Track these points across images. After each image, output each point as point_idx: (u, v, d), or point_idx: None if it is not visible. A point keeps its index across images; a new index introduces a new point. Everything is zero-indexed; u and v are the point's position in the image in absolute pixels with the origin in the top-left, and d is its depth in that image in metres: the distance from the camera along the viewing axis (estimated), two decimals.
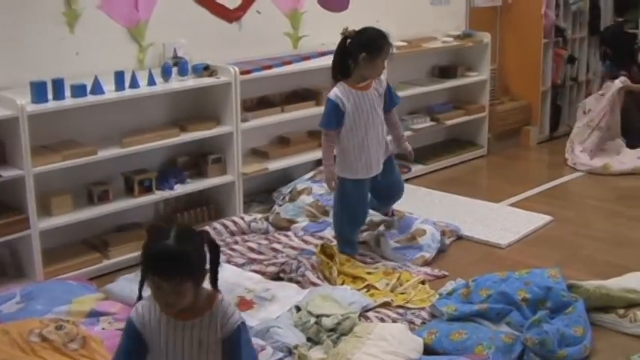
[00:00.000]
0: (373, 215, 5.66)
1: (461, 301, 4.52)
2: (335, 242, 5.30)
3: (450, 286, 4.77)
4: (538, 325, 4.19)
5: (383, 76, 5.14)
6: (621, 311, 4.56)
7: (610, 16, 9.33)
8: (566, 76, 8.76)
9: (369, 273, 5.02)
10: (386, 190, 5.42)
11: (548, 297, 4.46)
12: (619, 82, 7.71)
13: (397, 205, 5.77)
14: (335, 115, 4.96)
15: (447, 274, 5.12)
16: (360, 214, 5.30)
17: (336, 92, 4.96)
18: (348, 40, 4.99)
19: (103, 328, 4.11)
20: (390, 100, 5.19)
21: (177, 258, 2.63)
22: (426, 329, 4.29)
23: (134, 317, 2.81)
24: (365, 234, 5.55)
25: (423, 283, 4.94)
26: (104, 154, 5.15)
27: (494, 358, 4.03)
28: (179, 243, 2.64)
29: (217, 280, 2.79)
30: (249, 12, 6.20)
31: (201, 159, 5.82)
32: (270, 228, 5.75)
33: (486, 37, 7.70)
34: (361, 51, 4.89)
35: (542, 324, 4.21)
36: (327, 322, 4.17)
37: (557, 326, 4.22)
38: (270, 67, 5.99)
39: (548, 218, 6.12)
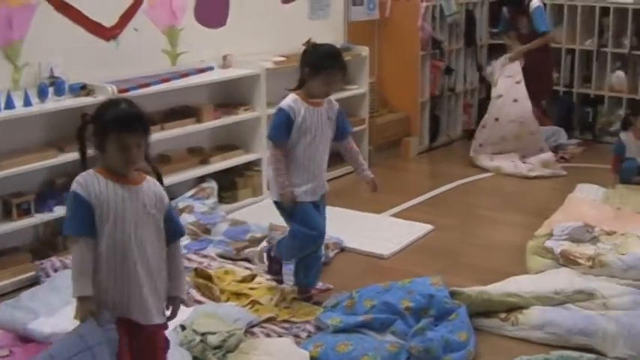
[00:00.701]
0: (254, 232, 5.67)
1: (345, 313, 4.56)
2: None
3: (334, 298, 4.80)
4: (422, 333, 4.26)
5: (335, 102, 4.86)
6: (503, 315, 4.69)
7: (485, 28, 9.57)
8: (443, 87, 8.94)
9: (252, 289, 5.01)
10: None
11: (431, 305, 4.55)
12: (502, 60, 8.14)
13: (277, 220, 5.78)
14: (286, 126, 4.65)
15: (331, 287, 5.14)
16: (317, 238, 4.79)
17: (288, 102, 4.70)
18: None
19: None
20: (342, 128, 4.89)
21: (139, 115, 3.21)
22: (312, 342, 4.31)
23: (78, 189, 3.14)
24: (247, 250, 5.54)
25: None
26: None
27: None
28: (134, 107, 3.23)
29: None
30: (126, 30, 6.12)
31: None
32: None
33: (364, 51, 7.79)
34: (305, 66, 4.70)
35: (426, 332, 4.29)
36: (213, 339, 4.16)
37: (441, 333, 4.31)
38: (148, 85, 5.93)
39: (429, 227, 6.23)
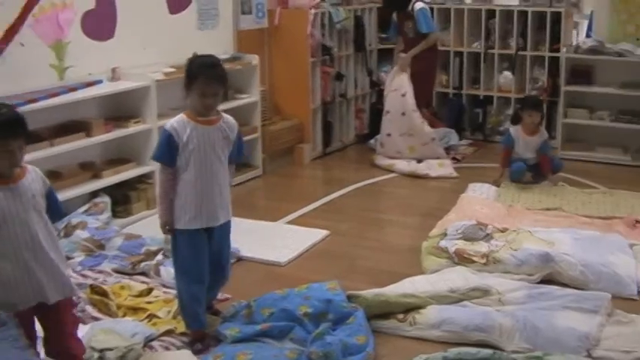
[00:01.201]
0: (149, 245, 5.62)
1: (243, 323, 4.55)
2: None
3: (232, 308, 4.78)
4: (321, 338, 4.28)
5: (234, 121, 4.52)
6: (400, 316, 4.74)
7: (374, 33, 9.67)
8: (334, 93, 8.99)
9: (149, 302, 4.95)
10: (216, 256, 4.59)
11: (329, 309, 4.58)
12: (392, 73, 8.30)
13: None
14: (168, 147, 4.33)
15: (229, 297, 5.11)
16: (200, 272, 4.48)
17: (172, 121, 4.36)
18: None
19: None
20: (237, 151, 4.57)
21: (15, 120, 3.45)
22: (211, 354, 4.29)
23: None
24: (143, 264, 5.48)
25: None
26: None
27: None
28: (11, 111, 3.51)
29: None
30: (11, 45, 5.98)
31: None
32: None
33: (255, 59, 7.80)
34: (184, 79, 4.42)
35: (325, 336, 4.31)
36: (111, 355, 4.09)
37: (340, 337, 4.33)
38: (35, 100, 5.81)
39: (325, 232, 6.26)
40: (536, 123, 7.52)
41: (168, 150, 4.34)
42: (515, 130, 7.52)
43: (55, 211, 3.71)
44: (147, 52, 6.97)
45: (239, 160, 4.73)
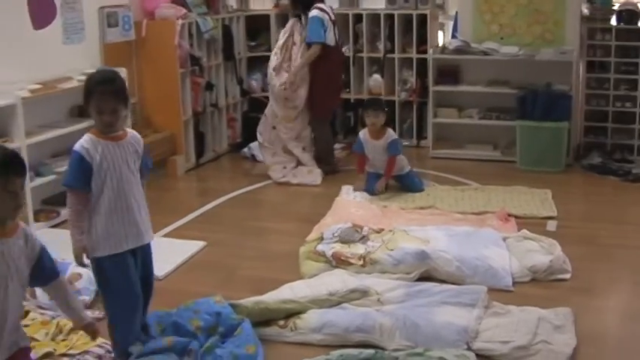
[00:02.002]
0: None
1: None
2: None
3: None
4: (211, 352, 4.27)
5: (138, 135, 4.32)
6: (281, 322, 4.74)
7: (243, 42, 9.66)
8: (205, 103, 8.93)
9: (26, 326, 4.79)
10: (144, 274, 4.40)
11: (219, 322, 4.56)
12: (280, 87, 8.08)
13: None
14: (81, 170, 4.07)
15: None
16: (135, 296, 4.28)
17: (81, 142, 4.11)
18: None
19: None
20: (145, 164, 4.38)
21: None
22: None
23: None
24: None
25: None
26: None
27: None
28: None
29: None
30: None
31: None
32: None
33: (122, 72, 7.62)
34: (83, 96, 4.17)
35: (215, 350, 4.30)
36: None
37: (230, 349, 4.33)
38: None
39: (202, 244, 6.20)
40: (379, 125, 7.38)
41: (82, 173, 4.08)
42: (363, 134, 7.49)
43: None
44: (11, 69, 6.76)
45: (148, 174, 4.49)
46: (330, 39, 8.12)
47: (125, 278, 4.23)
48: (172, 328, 4.50)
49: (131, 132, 4.31)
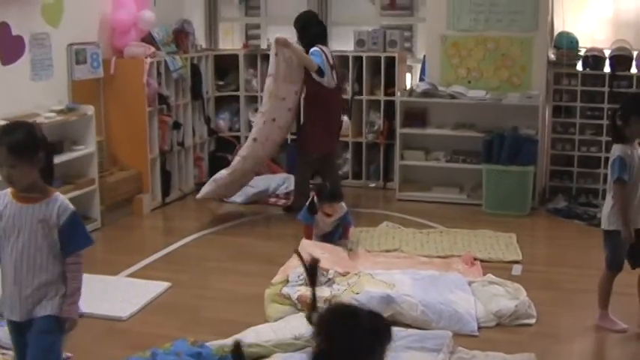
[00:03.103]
0: None
1: None
2: None
3: None
4: None
5: (67, 205, 3.85)
6: None
7: (212, 80, 9.67)
8: (173, 142, 8.91)
9: None
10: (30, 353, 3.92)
11: None
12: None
13: None
14: None
15: (70, 355, 4.93)
16: None
17: None
18: None
19: None
20: (69, 240, 3.85)
21: None
22: None
23: None
24: None
25: None
26: None
27: None
28: None
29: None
30: None
31: None
32: None
33: (90, 110, 7.63)
34: None
35: None
36: None
37: None
38: None
39: (166, 284, 6.15)
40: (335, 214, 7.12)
41: None
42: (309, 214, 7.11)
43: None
44: None
45: (72, 252, 3.89)
46: (328, 81, 8.10)
47: (14, 348, 4.05)
48: None
49: (56, 199, 3.85)
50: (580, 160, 8.75)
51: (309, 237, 7.02)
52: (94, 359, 4.77)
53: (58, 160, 7.16)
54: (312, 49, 8.07)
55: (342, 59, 9.43)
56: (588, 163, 8.75)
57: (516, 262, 6.72)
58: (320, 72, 7.97)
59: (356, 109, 9.51)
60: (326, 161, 8.39)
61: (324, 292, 5.68)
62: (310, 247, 6.76)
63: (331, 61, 8.18)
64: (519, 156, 8.25)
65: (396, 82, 9.26)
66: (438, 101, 8.90)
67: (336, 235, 7.12)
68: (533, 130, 8.50)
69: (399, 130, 8.97)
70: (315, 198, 7.02)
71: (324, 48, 8.17)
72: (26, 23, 7.25)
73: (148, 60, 8.26)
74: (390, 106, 9.28)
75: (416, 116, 9.13)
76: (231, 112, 9.98)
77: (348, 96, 9.39)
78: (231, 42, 10.95)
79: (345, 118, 9.44)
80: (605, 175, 8.39)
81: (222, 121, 9.92)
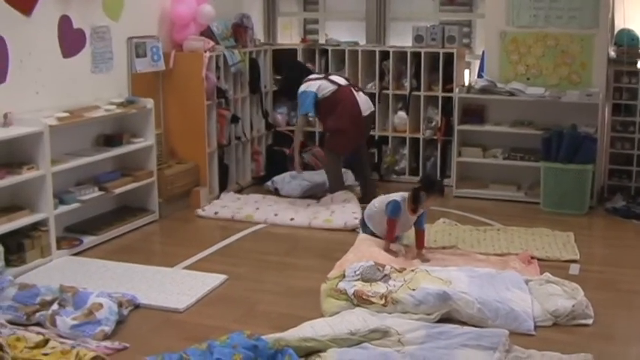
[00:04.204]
0: (44, 294, 5.47)
1: None
2: None
3: None
4: None
5: None
6: None
7: (269, 75, 9.72)
8: (231, 136, 8.97)
9: (45, 354, 4.81)
10: None
11: (258, 355, 4.54)
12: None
13: (68, 280, 5.69)
14: None
15: (127, 345, 5.02)
16: None
17: None
18: None
19: None
20: None
21: None
22: None
23: None
24: (38, 314, 5.32)
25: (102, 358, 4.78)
26: None
27: None
28: None
29: None
30: None
31: None
32: None
33: (149, 103, 7.71)
34: None
35: None
36: None
37: None
38: None
39: (223, 277, 6.19)
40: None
41: None
42: (402, 205, 6.84)
43: None
44: (40, 96, 6.83)
45: None
46: (326, 90, 8.33)
47: None
48: None
49: None
50: (639, 159, 8.64)
51: (392, 231, 6.84)
52: (150, 350, 4.78)
53: (117, 152, 7.33)
54: (300, 89, 8.41)
55: (401, 55, 9.43)
56: None
57: (574, 261, 6.65)
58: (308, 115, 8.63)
59: (414, 105, 9.49)
60: (356, 156, 8.67)
61: (380, 287, 5.68)
62: (367, 243, 6.78)
63: (321, 76, 8.59)
64: (578, 154, 8.16)
65: (455, 78, 9.22)
66: (496, 98, 8.84)
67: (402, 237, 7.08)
68: (592, 128, 8.40)
69: (456, 127, 8.93)
70: (420, 191, 6.74)
71: (312, 76, 8.61)
72: (87, 16, 7.35)
73: (207, 54, 8.31)
74: (448, 102, 9.24)
75: (474, 113, 9.09)
76: (289, 107, 10.01)
77: (406, 92, 9.39)
78: (289, 36, 10.98)
79: (402, 113, 9.45)
80: None
81: (280, 116, 9.96)
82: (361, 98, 8.44)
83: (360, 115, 8.38)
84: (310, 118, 8.81)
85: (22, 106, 6.60)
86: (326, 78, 8.47)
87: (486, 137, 9.02)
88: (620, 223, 7.95)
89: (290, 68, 9.26)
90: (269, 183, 9.11)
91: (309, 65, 9.59)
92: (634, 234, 7.62)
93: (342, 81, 8.45)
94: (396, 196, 6.90)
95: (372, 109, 8.63)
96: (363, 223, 7.19)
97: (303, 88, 8.39)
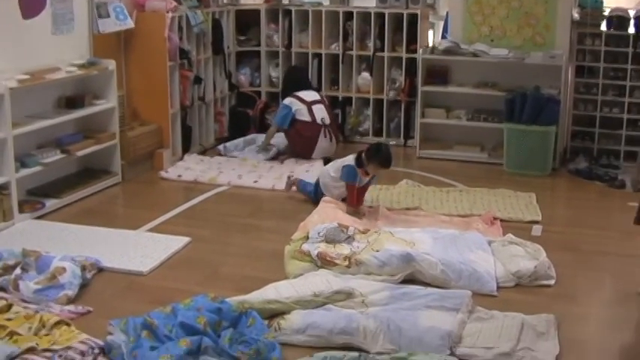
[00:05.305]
0: (6, 259, 5.43)
1: (151, 344, 4.35)
2: None
3: (120, 335, 4.46)
4: (238, 342, 4.29)
5: None
6: (265, 322, 4.71)
7: (232, 35, 9.64)
8: (193, 97, 8.90)
9: (9, 319, 4.76)
10: None
11: (222, 317, 4.55)
12: None
13: (31, 244, 5.67)
14: None
15: (91, 309, 5.00)
16: None
17: None
18: None
19: None
20: None
21: None
22: None
23: None
24: (1, 279, 5.27)
25: (67, 324, 4.74)
26: None
27: None
28: None
29: None
30: None
31: None
32: None
33: (111, 64, 7.61)
34: None
35: (244, 337, 4.35)
36: None
37: (252, 336, 4.41)
38: None
39: (186, 240, 6.17)
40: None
41: None
42: (355, 168, 6.82)
43: None
44: (0, 59, 6.73)
45: None
46: (302, 117, 8.64)
47: None
48: (181, 328, 4.44)
49: None
50: (602, 121, 8.71)
51: (353, 196, 6.84)
52: (114, 313, 4.75)
53: (79, 114, 7.25)
54: (286, 101, 8.81)
55: (364, 15, 9.40)
56: (610, 124, 8.70)
57: (536, 222, 6.71)
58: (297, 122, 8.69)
59: (377, 66, 9.47)
60: None
61: (343, 249, 5.69)
62: (331, 205, 6.78)
63: (309, 100, 8.74)
64: (541, 116, 8.19)
65: (418, 39, 9.20)
66: (460, 59, 8.85)
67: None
68: (555, 90, 8.44)
69: (420, 88, 8.93)
70: (364, 155, 6.78)
71: (299, 94, 8.81)
72: None
73: (170, 14, 8.22)
74: (411, 63, 9.22)
75: (438, 74, 9.09)
76: (252, 68, 9.96)
77: (370, 52, 9.37)
78: None
79: (366, 74, 9.44)
80: (627, 137, 8.49)
81: (243, 76, 9.90)
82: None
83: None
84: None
85: None
86: (308, 104, 8.69)
87: (450, 98, 9.03)
88: (583, 184, 8.02)
89: (292, 71, 9.57)
90: (220, 147, 9.10)
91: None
92: (596, 195, 7.69)
93: (317, 112, 8.70)
94: (349, 159, 6.91)
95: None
96: (316, 186, 7.21)
97: (287, 101, 8.74)
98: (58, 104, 7.37)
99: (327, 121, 8.70)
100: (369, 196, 7.14)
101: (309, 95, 8.80)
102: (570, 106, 8.79)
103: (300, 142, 8.71)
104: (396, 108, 9.54)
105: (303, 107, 8.64)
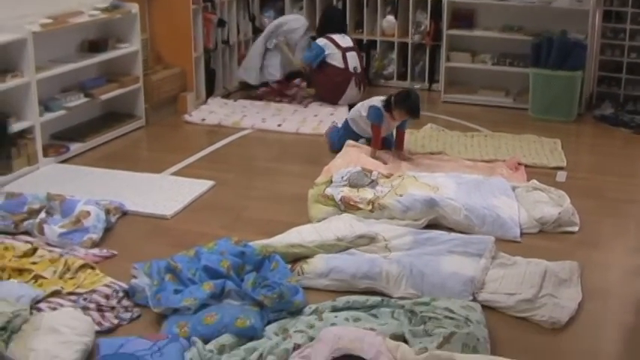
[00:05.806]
0: (31, 203, 5.45)
1: (175, 287, 4.37)
2: None
3: (145, 279, 4.48)
4: (262, 286, 4.29)
5: None
6: (288, 266, 4.72)
7: None
8: (217, 40, 8.86)
9: (34, 263, 4.82)
10: None
11: (245, 261, 4.58)
12: None
13: (55, 189, 5.68)
14: None
15: (115, 252, 5.04)
16: None
17: None
18: None
19: None
20: None
21: None
22: (174, 324, 4.12)
23: None
24: (26, 223, 5.31)
25: (92, 268, 4.78)
26: None
27: (257, 324, 4.07)
28: None
29: None
30: None
31: None
32: None
33: (134, 8, 7.57)
34: None
35: (267, 281, 4.35)
36: None
37: (275, 280, 4.41)
38: None
39: (210, 183, 6.18)
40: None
41: None
42: (383, 111, 6.74)
43: None
44: (22, 3, 6.69)
45: None
46: (334, 62, 8.61)
47: None
48: (204, 272, 4.47)
49: None
50: (629, 66, 8.56)
51: (377, 137, 6.78)
52: (138, 256, 4.79)
53: (102, 58, 7.24)
54: (318, 41, 8.78)
55: None
56: (637, 70, 8.56)
57: (561, 168, 6.67)
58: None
59: (402, 8, 9.37)
60: None
61: (367, 193, 5.69)
62: (355, 149, 6.76)
63: (343, 46, 8.66)
64: (567, 61, 8.09)
65: None
66: (486, 2, 8.74)
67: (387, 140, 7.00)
68: (582, 35, 8.32)
69: (445, 32, 8.84)
70: (393, 99, 6.70)
71: (332, 36, 8.72)
72: None
73: None
74: (437, 6, 9.10)
75: (463, 17, 8.99)
76: (276, 10, 9.87)
77: None
78: None
79: (391, 17, 9.36)
80: None
81: (267, 19, 9.80)
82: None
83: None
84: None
85: (4, 13, 6.45)
86: (342, 49, 8.64)
87: (476, 42, 8.94)
88: (608, 130, 7.94)
89: (329, 11, 9.46)
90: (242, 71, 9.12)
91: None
92: (621, 142, 7.63)
93: (351, 60, 8.66)
94: (376, 101, 6.86)
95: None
96: (344, 127, 7.18)
97: (322, 43, 8.66)
98: (81, 48, 7.35)
99: (359, 69, 8.67)
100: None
101: (344, 41, 8.73)
102: (597, 51, 8.66)
103: (330, 87, 8.65)
104: (421, 51, 9.46)
105: (337, 53, 8.58)
